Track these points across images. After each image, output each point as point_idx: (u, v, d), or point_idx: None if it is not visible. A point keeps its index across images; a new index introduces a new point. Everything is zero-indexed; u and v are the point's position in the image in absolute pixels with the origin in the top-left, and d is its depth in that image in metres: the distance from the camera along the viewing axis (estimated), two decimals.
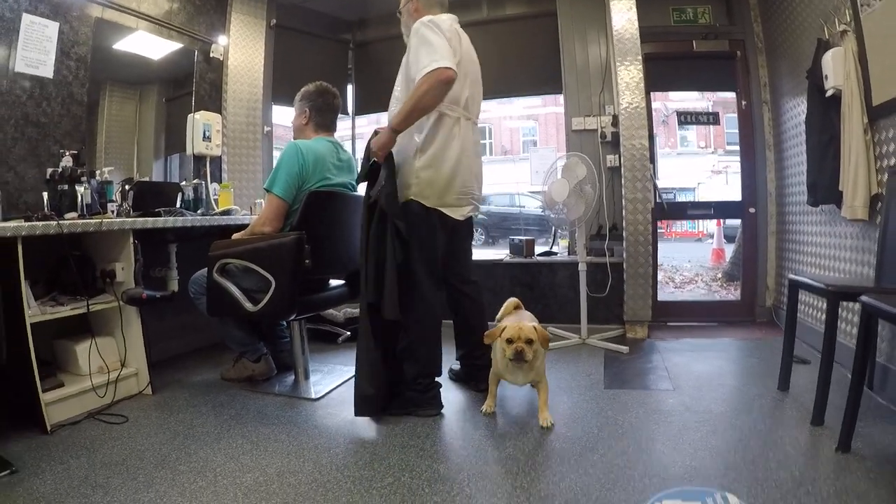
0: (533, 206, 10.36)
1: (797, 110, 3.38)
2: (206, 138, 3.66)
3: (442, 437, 2.24)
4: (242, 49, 4.14)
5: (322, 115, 2.78)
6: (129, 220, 2.56)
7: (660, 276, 8.56)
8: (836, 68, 2.66)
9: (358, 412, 2.33)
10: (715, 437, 2.11)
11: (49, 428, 2.26)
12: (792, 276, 2.49)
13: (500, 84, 4.38)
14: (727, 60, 4.04)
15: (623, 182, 3.66)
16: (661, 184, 4.02)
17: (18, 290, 2.14)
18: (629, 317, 3.70)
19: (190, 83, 3.85)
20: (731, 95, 4.26)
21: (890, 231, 2.23)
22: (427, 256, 2.38)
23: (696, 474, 1.83)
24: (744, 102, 4.02)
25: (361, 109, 4.99)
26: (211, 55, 3.93)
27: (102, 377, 2.54)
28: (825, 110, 2.81)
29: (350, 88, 4.92)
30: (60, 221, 2.22)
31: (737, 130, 4.13)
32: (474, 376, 2.69)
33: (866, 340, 1.87)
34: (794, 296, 2.51)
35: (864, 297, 1.80)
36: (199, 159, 3.78)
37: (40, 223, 2.18)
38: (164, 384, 2.84)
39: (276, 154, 4.46)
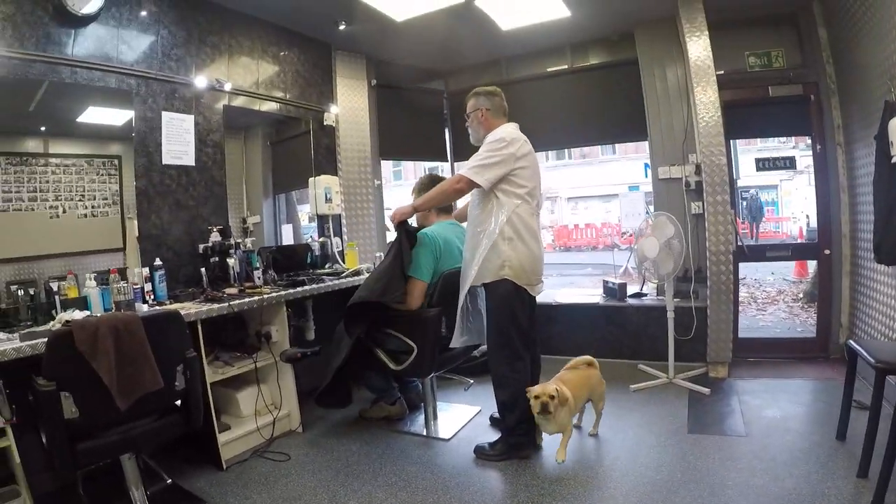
0: None
1: (869, 159, 3.33)
2: (328, 200, 4.11)
3: (546, 475, 2.70)
4: (349, 111, 4.54)
5: None
6: (284, 293, 3.05)
7: (742, 294, 8.54)
8: None
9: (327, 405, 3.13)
10: (775, 484, 2.45)
11: (224, 465, 2.71)
12: (851, 342, 2.62)
13: (588, 131, 4.82)
14: (801, 104, 4.11)
15: (707, 235, 3.88)
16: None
17: (200, 357, 2.57)
18: (712, 358, 3.96)
19: (292, 128, 4.27)
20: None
21: None
22: (518, 324, 2.81)
23: None
24: (818, 146, 4.10)
25: (459, 155, 5.25)
26: (325, 123, 4.36)
27: (262, 419, 2.99)
28: (891, 175, 2.84)
29: (447, 134, 5.24)
30: (231, 303, 2.72)
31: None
32: None
33: None
34: (853, 360, 2.66)
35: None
36: (322, 218, 4.21)
37: (215, 305, 2.67)
38: (310, 421, 3.29)
39: (387, 203, 4.94)
